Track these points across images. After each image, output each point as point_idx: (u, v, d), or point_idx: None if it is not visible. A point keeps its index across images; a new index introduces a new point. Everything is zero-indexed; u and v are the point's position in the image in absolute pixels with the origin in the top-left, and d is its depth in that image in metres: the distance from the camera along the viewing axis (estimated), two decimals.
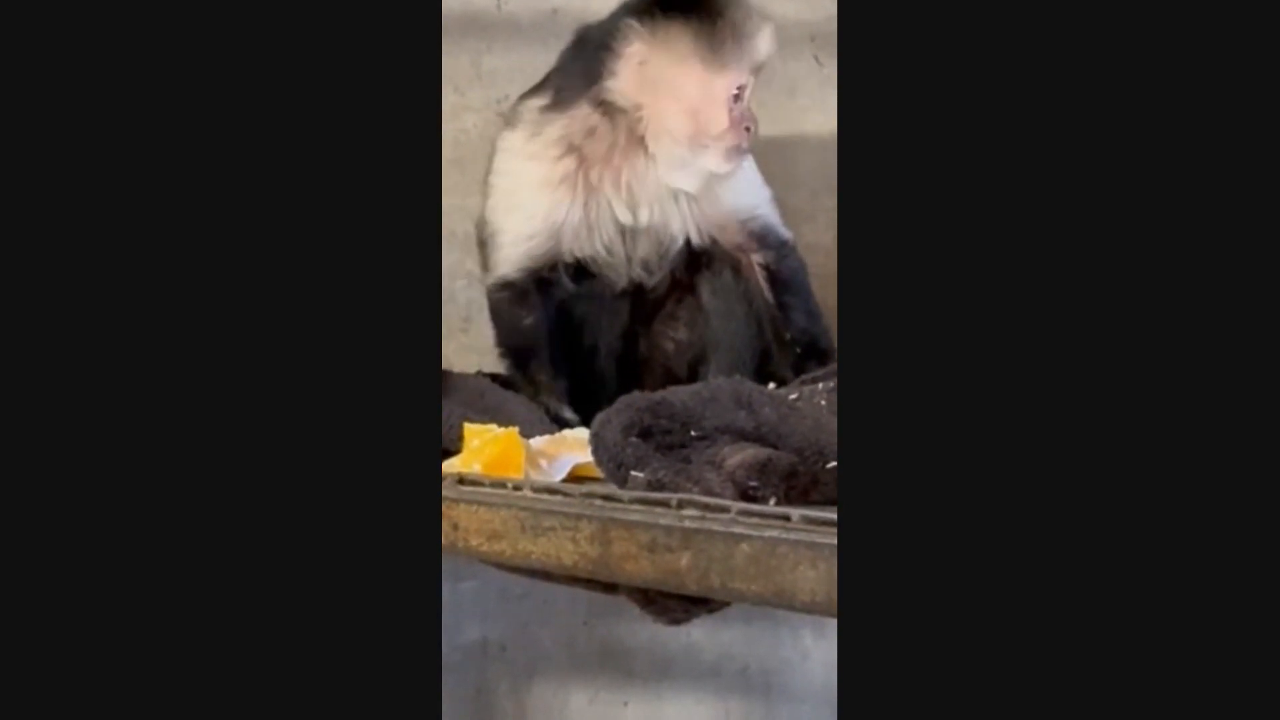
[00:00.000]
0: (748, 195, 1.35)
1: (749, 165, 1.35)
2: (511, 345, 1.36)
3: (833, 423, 0.96)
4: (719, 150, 1.29)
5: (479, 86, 1.54)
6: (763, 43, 1.29)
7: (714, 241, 1.34)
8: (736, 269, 1.35)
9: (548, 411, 1.27)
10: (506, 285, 1.34)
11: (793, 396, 1.02)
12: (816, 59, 1.54)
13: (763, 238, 1.35)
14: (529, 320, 1.34)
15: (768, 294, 1.35)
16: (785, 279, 1.35)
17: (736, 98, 1.28)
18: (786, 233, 1.37)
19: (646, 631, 1.55)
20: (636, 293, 1.36)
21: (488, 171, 1.37)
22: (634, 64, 1.27)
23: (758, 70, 1.30)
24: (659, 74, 1.27)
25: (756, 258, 1.35)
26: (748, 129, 1.29)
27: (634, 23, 1.27)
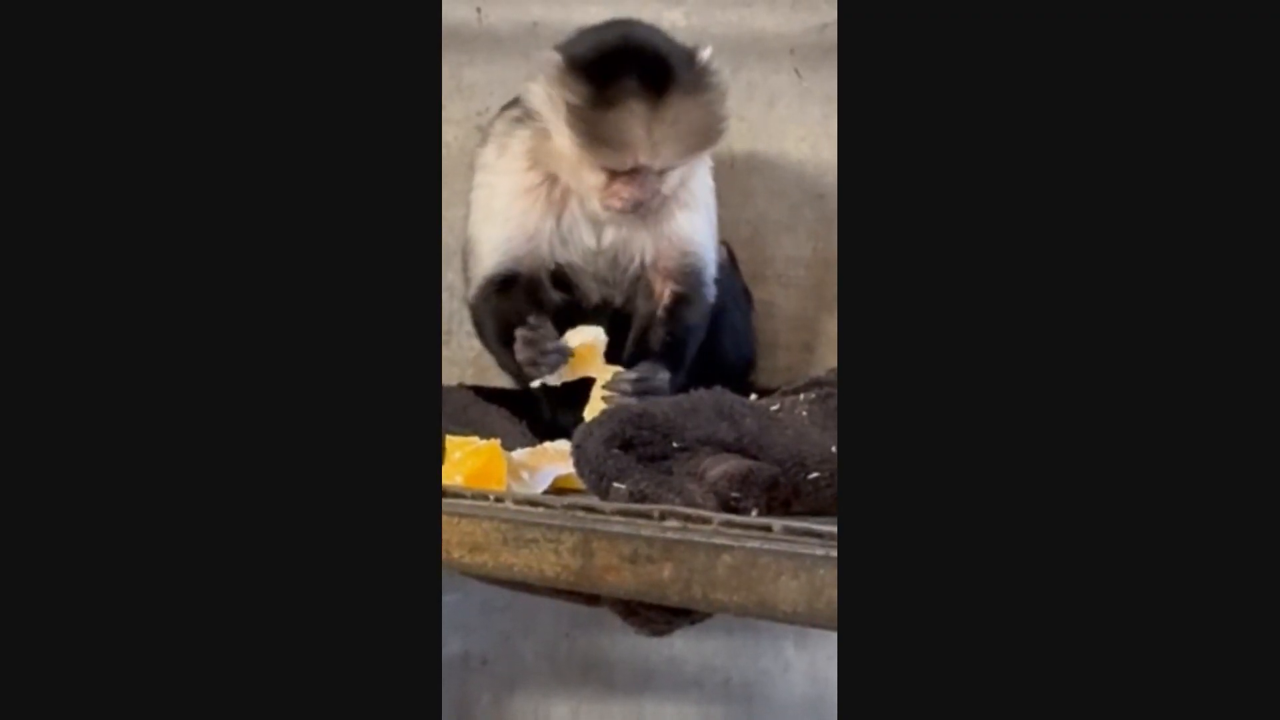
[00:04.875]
0: (700, 235, 1.35)
1: (709, 213, 1.36)
2: (500, 328, 1.32)
3: (814, 434, 0.96)
4: (596, 200, 1.29)
5: (459, 99, 1.54)
6: (650, 154, 1.24)
7: (653, 264, 1.33)
8: (649, 293, 1.34)
9: (528, 341, 1.24)
10: (492, 286, 1.33)
11: (774, 408, 1.02)
12: (796, 72, 1.55)
13: (687, 277, 1.34)
14: (526, 320, 1.30)
15: (661, 311, 1.34)
16: (681, 316, 1.33)
17: (613, 174, 1.26)
18: (712, 287, 1.36)
19: (628, 643, 1.55)
20: (615, 307, 1.36)
21: (470, 188, 1.38)
22: (543, 95, 1.27)
23: (654, 170, 1.26)
24: (553, 113, 1.27)
25: (671, 287, 1.34)
26: (620, 203, 1.27)
27: (555, 56, 1.26)
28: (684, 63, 1.26)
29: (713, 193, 1.38)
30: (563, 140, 1.26)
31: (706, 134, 1.28)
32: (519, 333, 1.25)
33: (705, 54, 1.27)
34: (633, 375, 1.22)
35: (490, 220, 1.34)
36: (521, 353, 1.25)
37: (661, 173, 1.26)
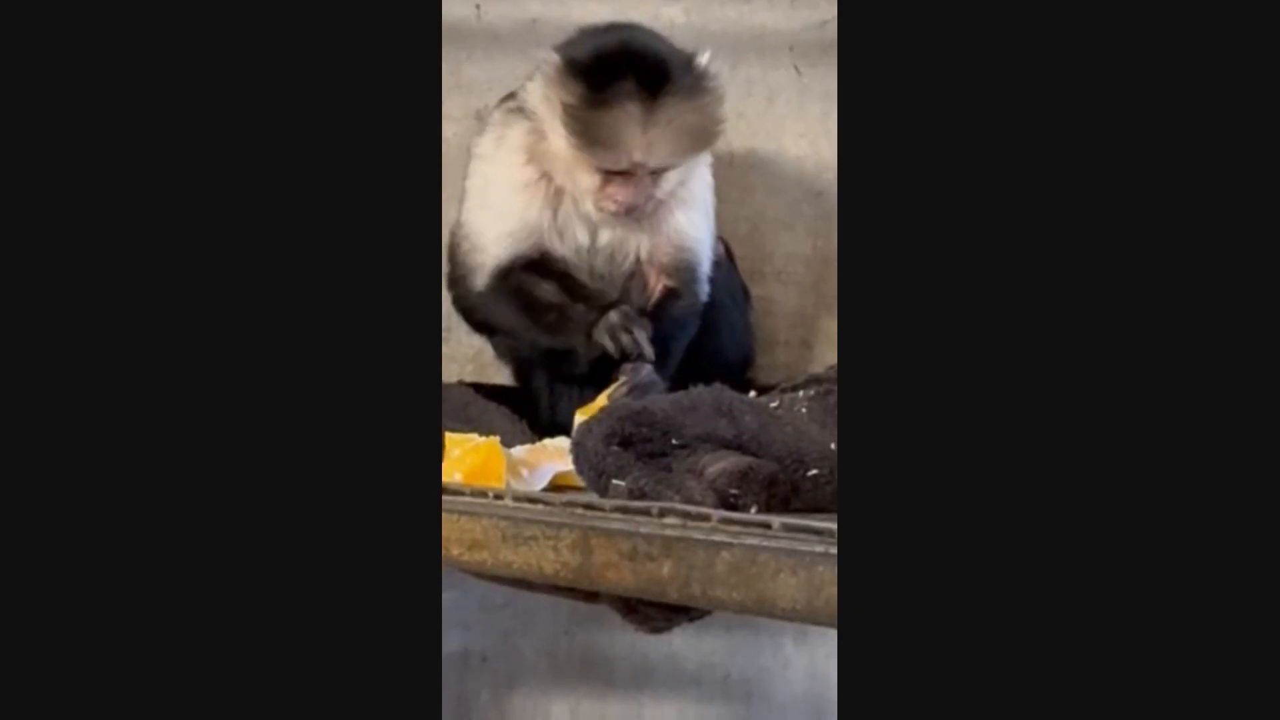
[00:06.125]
0: (698, 232, 1.35)
1: (707, 210, 1.36)
2: (541, 309, 1.32)
3: (813, 431, 0.96)
4: (590, 201, 1.29)
5: (458, 96, 1.54)
6: (644, 154, 1.25)
7: (649, 259, 1.34)
8: (643, 286, 1.35)
9: (625, 348, 1.25)
10: (504, 273, 1.33)
11: (773, 405, 1.02)
12: (796, 69, 1.54)
13: (680, 272, 1.34)
14: (548, 285, 1.31)
15: (650, 306, 1.34)
16: (670, 311, 1.34)
17: (608, 175, 1.26)
18: (705, 285, 1.36)
19: (627, 640, 1.55)
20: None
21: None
22: (540, 94, 1.28)
23: (648, 171, 1.26)
24: (549, 113, 1.27)
25: (664, 281, 1.34)
26: (614, 205, 1.27)
27: (554, 56, 1.26)
28: (682, 66, 1.26)
29: (712, 190, 1.38)
30: (558, 140, 1.26)
31: (701, 136, 1.29)
32: (614, 314, 1.25)
33: (704, 58, 1.28)
34: (623, 389, 1.22)
35: (488, 211, 1.35)
36: (615, 322, 1.25)
37: (656, 174, 1.27)
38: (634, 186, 1.26)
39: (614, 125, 1.24)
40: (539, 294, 1.32)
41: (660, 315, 1.33)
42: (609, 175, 1.26)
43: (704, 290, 1.36)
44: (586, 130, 1.24)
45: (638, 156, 1.25)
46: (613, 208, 1.27)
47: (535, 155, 1.31)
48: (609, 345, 1.26)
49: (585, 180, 1.27)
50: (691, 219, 1.35)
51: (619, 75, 1.23)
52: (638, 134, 1.24)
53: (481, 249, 1.35)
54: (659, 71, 1.24)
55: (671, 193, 1.31)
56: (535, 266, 1.32)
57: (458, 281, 1.38)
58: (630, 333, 1.25)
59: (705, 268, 1.36)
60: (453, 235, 1.38)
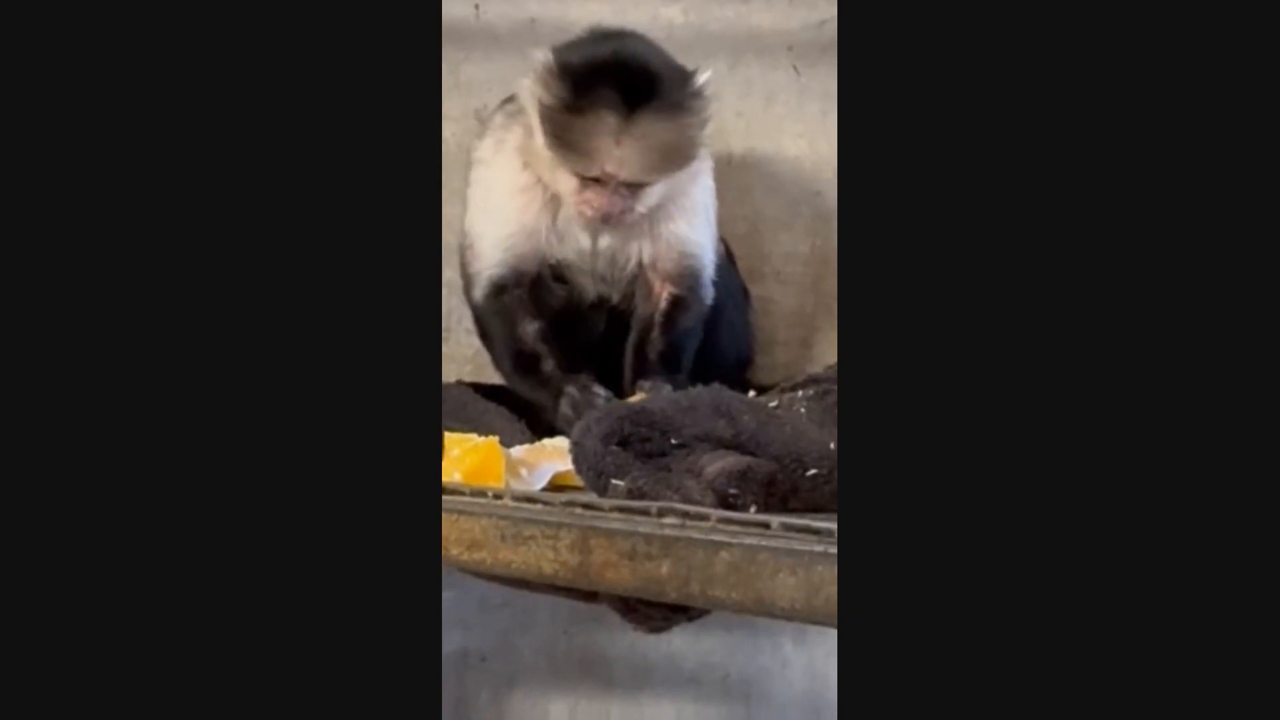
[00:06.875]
0: (699, 237, 1.36)
1: (709, 215, 1.37)
2: (515, 351, 1.34)
3: (812, 430, 0.96)
4: (571, 204, 1.29)
5: (457, 96, 1.54)
6: (615, 166, 1.25)
7: (651, 264, 1.34)
8: (647, 293, 1.35)
9: (575, 405, 1.25)
10: (498, 289, 1.34)
11: (772, 404, 1.02)
12: (794, 68, 1.55)
13: (684, 279, 1.35)
14: (532, 326, 1.33)
15: (659, 315, 1.35)
16: (681, 322, 1.35)
17: (584, 180, 1.26)
18: (710, 289, 1.36)
19: (627, 640, 1.55)
20: (612, 305, 1.37)
21: (466, 183, 1.38)
22: (527, 91, 1.28)
23: (620, 182, 1.26)
24: (534, 111, 1.28)
25: (670, 289, 1.35)
26: (590, 210, 1.27)
27: (547, 56, 1.26)
28: (671, 82, 1.26)
29: (713, 195, 1.38)
30: (541, 139, 1.27)
31: (675, 155, 1.28)
32: (568, 390, 1.26)
33: (702, 78, 1.27)
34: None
35: (488, 216, 1.35)
36: (565, 409, 1.25)
37: (633, 188, 1.27)
38: (609, 196, 1.26)
39: (587, 132, 1.24)
40: (520, 333, 1.33)
41: (671, 326, 1.34)
42: (584, 181, 1.26)
43: (710, 295, 1.36)
44: (560, 133, 1.24)
45: (609, 167, 1.25)
46: (589, 213, 1.27)
47: (530, 157, 1.31)
48: (566, 428, 1.26)
49: (564, 182, 1.28)
50: (693, 225, 1.35)
51: (602, 83, 1.23)
52: (610, 145, 1.24)
53: (480, 255, 1.35)
54: (643, 85, 1.24)
55: (673, 199, 1.31)
56: (533, 285, 1.33)
57: (465, 289, 1.39)
58: (578, 408, 1.24)
59: (709, 272, 1.36)
60: (460, 243, 1.39)
